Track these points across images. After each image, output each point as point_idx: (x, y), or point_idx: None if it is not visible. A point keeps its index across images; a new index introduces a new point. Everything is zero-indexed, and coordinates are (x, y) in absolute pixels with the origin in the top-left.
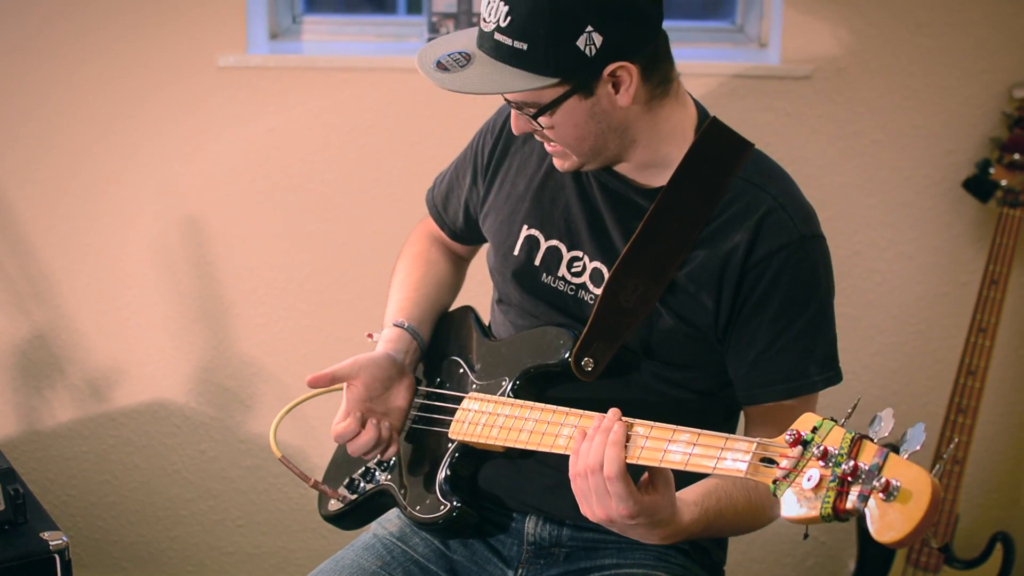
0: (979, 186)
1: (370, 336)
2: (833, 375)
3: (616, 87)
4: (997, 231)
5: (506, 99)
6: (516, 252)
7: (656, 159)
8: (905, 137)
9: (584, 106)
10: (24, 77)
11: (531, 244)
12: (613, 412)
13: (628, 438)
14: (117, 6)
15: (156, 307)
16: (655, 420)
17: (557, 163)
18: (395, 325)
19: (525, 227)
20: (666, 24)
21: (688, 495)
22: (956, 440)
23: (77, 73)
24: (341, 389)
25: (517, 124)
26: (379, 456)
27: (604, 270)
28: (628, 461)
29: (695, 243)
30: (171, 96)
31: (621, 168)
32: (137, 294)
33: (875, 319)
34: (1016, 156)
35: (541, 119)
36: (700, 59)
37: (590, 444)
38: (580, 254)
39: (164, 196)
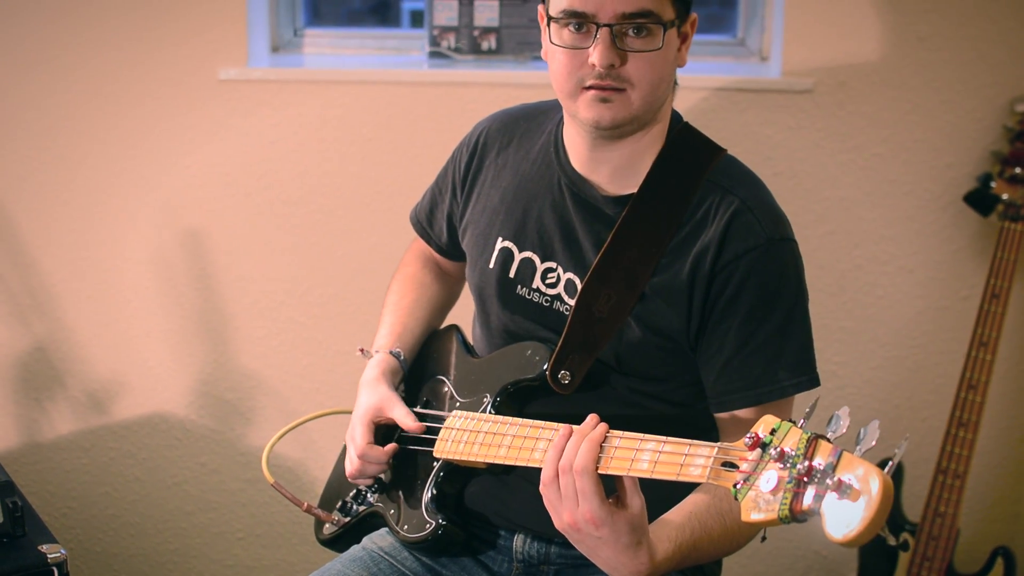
0: (980, 200)
1: (361, 351)
2: (805, 380)
3: (684, 38)
4: (998, 245)
5: (619, 19)
6: (491, 265)
7: (631, 160)
8: (906, 151)
9: (675, 43)
10: (24, 89)
11: (506, 256)
12: (592, 417)
13: (601, 446)
14: (118, 18)
15: (156, 319)
16: (633, 431)
17: (605, 111)
18: (391, 354)
19: (500, 239)
20: None
21: (662, 531)
22: (907, 436)
23: (78, 84)
24: (326, 415)
25: (608, 54)
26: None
27: (577, 281)
28: (600, 471)
29: (666, 250)
30: (172, 108)
31: (593, 176)
32: (137, 306)
33: (876, 333)
34: (1017, 170)
35: (645, 40)
36: (702, 72)
37: (567, 442)
38: (554, 265)
39: (165, 208)
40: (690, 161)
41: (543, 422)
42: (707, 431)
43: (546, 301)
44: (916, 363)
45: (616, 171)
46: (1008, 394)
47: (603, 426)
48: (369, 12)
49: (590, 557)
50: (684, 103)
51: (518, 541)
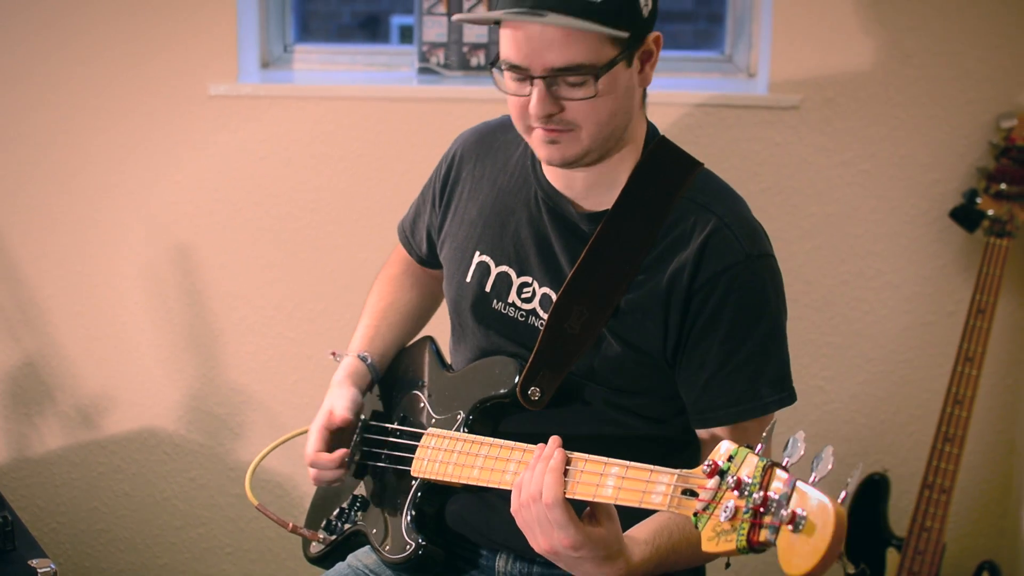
0: (966, 216)
1: (333, 354)
2: (786, 396)
3: (647, 59)
4: (984, 261)
5: (550, 72)
6: (468, 279)
7: (605, 177)
8: (892, 167)
9: (625, 76)
10: (14, 103)
11: (482, 270)
12: (553, 440)
13: (567, 471)
14: (108, 34)
15: (146, 334)
16: (609, 449)
17: (554, 151)
18: (358, 357)
19: (477, 253)
20: None
21: (639, 533)
22: (860, 465)
23: (68, 99)
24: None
25: (543, 105)
26: (333, 485)
27: (552, 295)
28: (567, 496)
29: (640, 267)
30: (162, 124)
31: (568, 191)
32: (127, 321)
33: (863, 348)
34: (1003, 186)
35: (583, 89)
36: (689, 89)
37: (531, 473)
38: (529, 280)
39: (154, 224)
40: (666, 177)
41: (514, 443)
42: (683, 447)
43: (521, 316)
44: (902, 378)
45: (590, 188)
46: (994, 409)
47: (561, 454)
48: (358, 28)
49: (571, 571)
50: (671, 118)
51: (500, 561)
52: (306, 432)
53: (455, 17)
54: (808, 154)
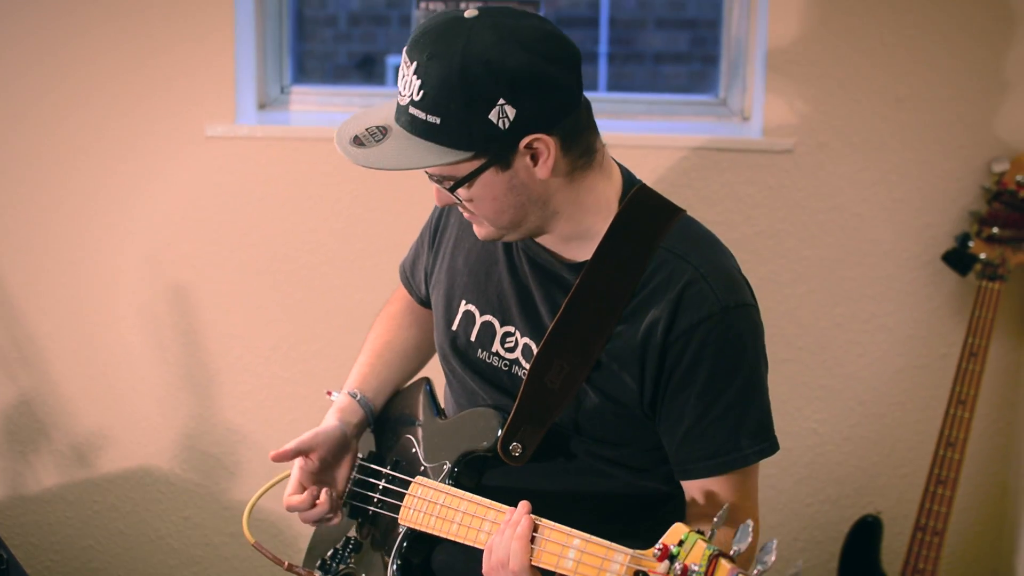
0: (958, 260)
1: (329, 393)
2: (767, 447)
3: (535, 159)
4: (976, 304)
5: (426, 172)
6: (455, 327)
7: (580, 231)
8: (885, 211)
9: (502, 179)
10: (12, 141)
11: (468, 319)
12: (522, 506)
13: (533, 537)
14: (105, 74)
15: (142, 374)
16: (593, 502)
17: (476, 231)
18: (349, 394)
19: (463, 302)
20: (650, 97)
21: None
22: (799, 563)
23: (65, 139)
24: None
25: (439, 196)
26: (324, 525)
27: (534, 346)
28: (532, 563)
29: (620, 318)
30: (159, 164)
31: (546, 241)
32: (123, 360)
33: (856, 391)
34: (995, 230)
35: (459, 192)
36: (683, 132)
37: (500, 537)
38: (512, 329)
39: (151, 263)
40: (645, 226)
41: (491, 502)
42: (667, 498)
43: (505, 365)
44: (895, 420)
45: (566, 241)
46: (986, 451)
47: (528, 520)
48: (355, 68)
49: None
50: (665, 161)
51: None
52: None
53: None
54: (801, 198)
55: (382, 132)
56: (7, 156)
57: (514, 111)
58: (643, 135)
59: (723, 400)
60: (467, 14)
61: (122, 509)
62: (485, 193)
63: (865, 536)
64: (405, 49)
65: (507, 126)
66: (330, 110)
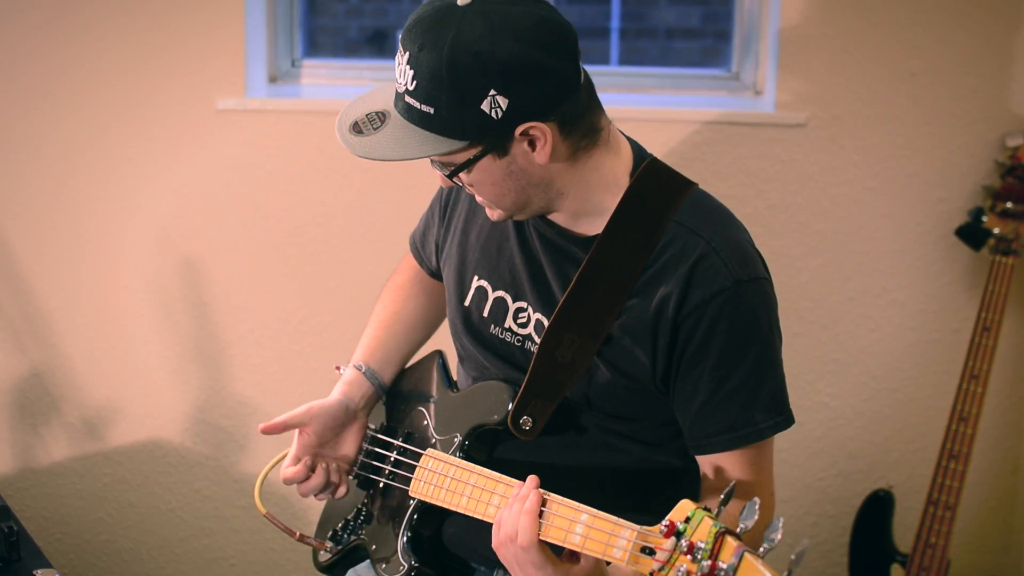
0: (972, 234)
1: (338, 368)
2: (782, 420)
3: (532, 145)
4: (989, 279)
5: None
6: (467, 303)
7: (588, 208)
8: (898, 185)
9: (500, 165)
10: (21, 118)
11: (481, 295)
12: (531, 480)
13: (541, 512)
14: (116, 48)
15: (152, 347)
16: (607, 477)
17: (488, 213)
18: (355, 367)
19: (476, 278)
20: (663, 71)
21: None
22: (805, 542)
23: (75, 114)
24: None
25: (442, 180)
26: (331, 497)
27: (546, 321)
28: (540, 537)
29: (631, 292)
30: (169, 138)
31: (557, 217)
32: (133, 333)
33: (868, 365)
34: (1009, 204)
35: (459, 177)
36: (696, 106)
37: (508, 512)
38: (524, 305)
39: (161, 236)
40: (657, 199)
41: (500, 476)
42: (682, 472)
43: (518, 341)
44: (907, 395)
45: (576, 217)
46: (999, 426)
47: (536, 495)
48: (366, 42)
49: None
50: (677, 136)
51: None
52: None
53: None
54: (814, 172)
55: (380, 119)
56: (18, 131)
57: (506, 101)
58: (655, 109)
59: (737, 374)
60: (460, 1)
61: (132, 482)
62: (484, 179)
63: (877, 510)
64: (400, 37)
65: (500, 116)
66: (341, 84)
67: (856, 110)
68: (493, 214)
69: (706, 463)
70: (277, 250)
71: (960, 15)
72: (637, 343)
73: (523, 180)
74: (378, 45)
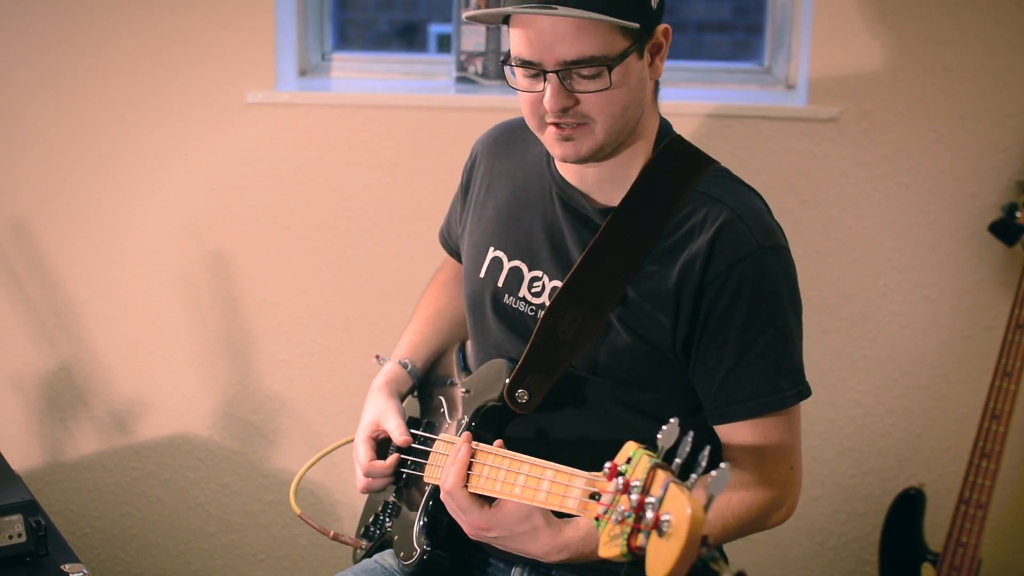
0: (1005, 230)
1: (377, 358)
2: (803, 388)
3: (656, 51)
4: (1023, 275)
5: (563, 66)
6: (482, 274)
7: (617, 173)
8: (931, 180)
9: (637, 68)
10: (51, 110)
11: (495, 266)
12: (464, 436)
13: (472, 464)
14: (146, 41)
15: (181, 341)
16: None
17: (569, 148)
18: (400, 364)
19: (491, 249)
20: (694, 65)
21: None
22: (724, 467)
23: (105, 107)
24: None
25: (557, 99)
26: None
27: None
28: (471, 490)
29: (650, 258)
30: (200, 131)
31: (582, 185)
32: (162, 328)
33: (900, 362)
34: None
35: (594, 83)
36: (728, 100)
37: (443, 468)
38: (540, 273)
39: (190, 230)
40: (678, 172)
41: (508, 452)
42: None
43: (531, 310)
44: (939, 392)
45: (602, 183)
46: None
47: (467, 448)
48: (396, 36)
49: (518, 551)
50: (708, 129)
51: (516, 572)
52: (351, 442)
53: (466, 15)
54: (846, 167)
55: (547, 7)
56: (45, 125)
57: None
58: (686, 103)
59: (761, 341)
60: None
61: (160, 476)
62: (624, 80)
63: (908, 509)
64: None
65: (655, 6)
66: (370, 77)
67: (889, 104)
68: (586, 144)
69: (729, 432)
70: (306, 244)
71: (994, 9)
72: (659, 308)
73: (641, 93)
74: (408, 39)
